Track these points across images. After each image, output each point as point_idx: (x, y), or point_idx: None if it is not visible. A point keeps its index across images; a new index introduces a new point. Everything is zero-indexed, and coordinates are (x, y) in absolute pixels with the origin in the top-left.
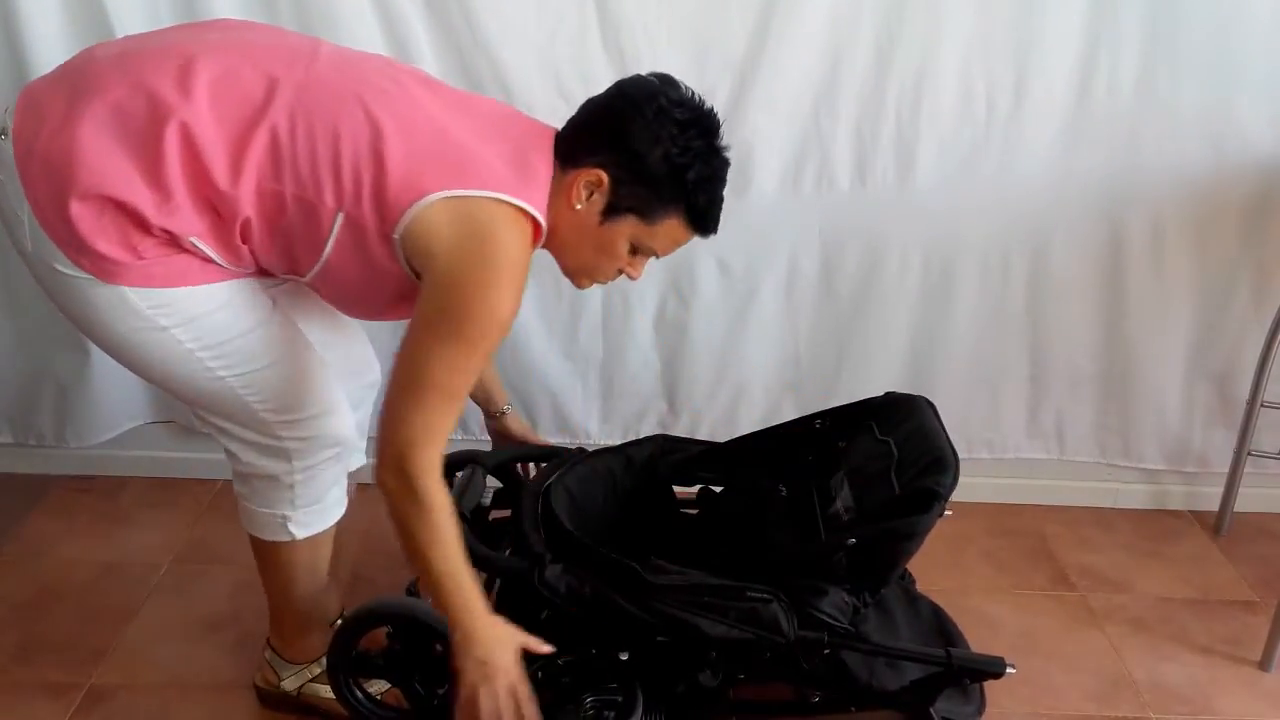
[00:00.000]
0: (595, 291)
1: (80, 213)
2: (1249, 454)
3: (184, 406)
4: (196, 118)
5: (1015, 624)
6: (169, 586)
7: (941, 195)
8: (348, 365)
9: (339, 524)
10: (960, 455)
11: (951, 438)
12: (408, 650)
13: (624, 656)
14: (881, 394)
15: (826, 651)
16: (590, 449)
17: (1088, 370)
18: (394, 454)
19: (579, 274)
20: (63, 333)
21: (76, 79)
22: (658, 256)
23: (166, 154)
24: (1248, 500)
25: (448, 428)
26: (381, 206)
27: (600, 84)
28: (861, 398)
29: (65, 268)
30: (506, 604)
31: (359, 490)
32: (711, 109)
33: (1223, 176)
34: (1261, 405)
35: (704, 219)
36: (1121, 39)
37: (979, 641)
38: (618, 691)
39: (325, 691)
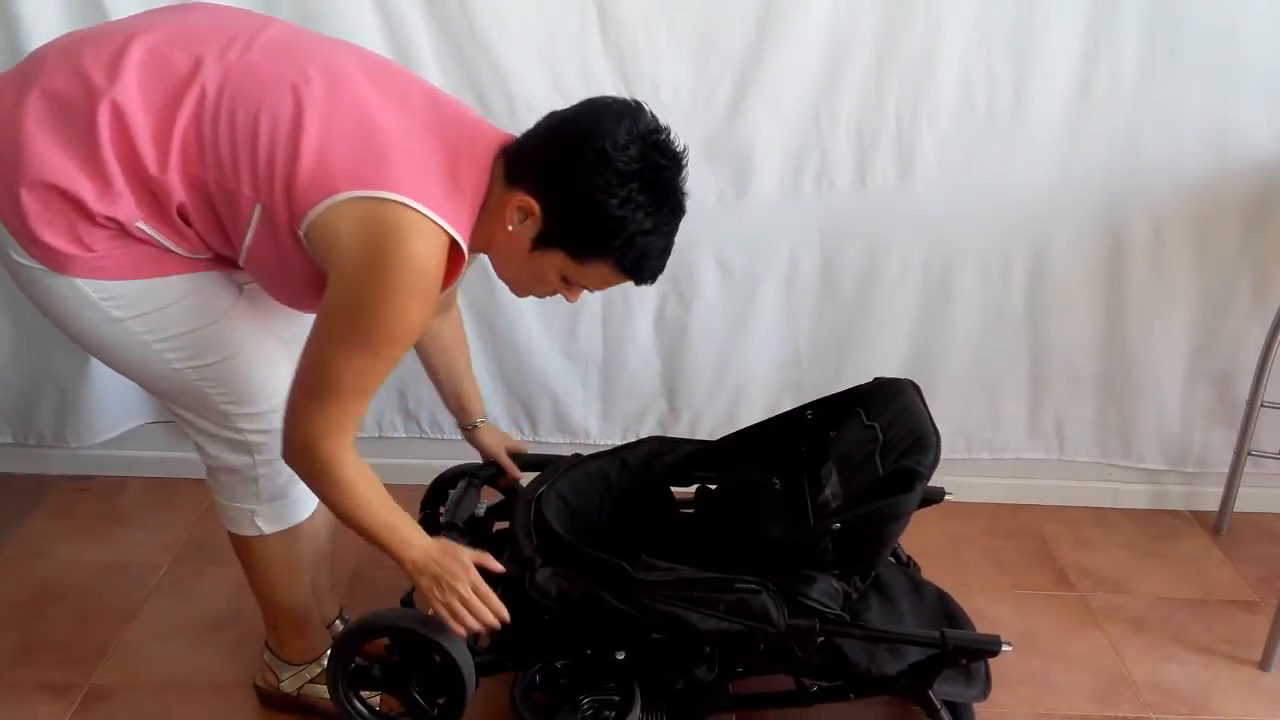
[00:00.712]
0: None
1: (29, 201)
2: (1249, 454)
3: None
4: (126, 98)
5: (1015, 624)
6: (169, 587)
7: (941, 196)
8: None
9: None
10: (960, 455)
11: (952, 437)
12: (406, 661)
13: (620, 656)
14: (870, 380)
15: (821, 640)
16: (587, 451)
17: (1088, 370)
18: (300, 445)
19: (512, 286)
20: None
21: (28, 69)
22: (591, 291)
23: (101, 138)
24: (1248, 500)
25: (356, 419)
26: (291, 200)
27: (600, 84)
28: None
29: (21, 258)
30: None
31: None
32: (672, 149)
33: (1223, 177)
34: (1261, 405)
35: (637, 271)
36: (1121, 40)
37: None
38: (615, 691)
39: (325, 692)
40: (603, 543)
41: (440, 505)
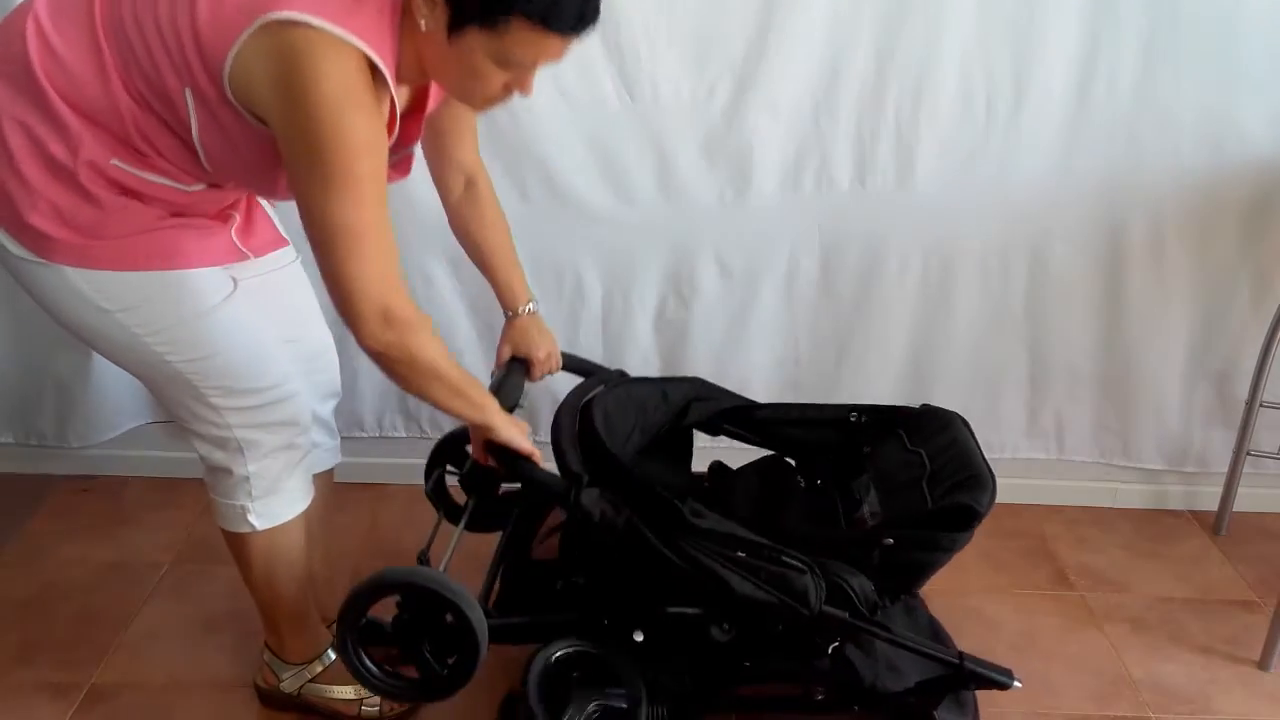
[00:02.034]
0: (595, 291)
1: (16, 145)
2: (1248, 454)
3: None
4: (47, 16)
5: (1014, 624)
6: (170, 587)
7: (941, 196)
8: (308, 365)
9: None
10: None
11: None
12: (417, 619)
13: (639, 638)
14: (918, 405)
15: (836, 645)
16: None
17: (1087, 370)
18: (379, 314)
19: (462, 99)
20: (63, 333)
21: None
22: (538, 67)
23: (40, 79)
24: (1247, 500)
25: (391, 262)
26: (206, 64)
27: (600, 83)
28: (861, 398)
29: (12, 248)
30: (513, 585)
31: (359, 490)
32: None
33: (1222, 177)
34: (1261, 405)
35: (552, 17)
36: (1121, 40)
37: (979, 642)
38: (623, 697)
39: (325, 692)
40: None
41: (447, 463)
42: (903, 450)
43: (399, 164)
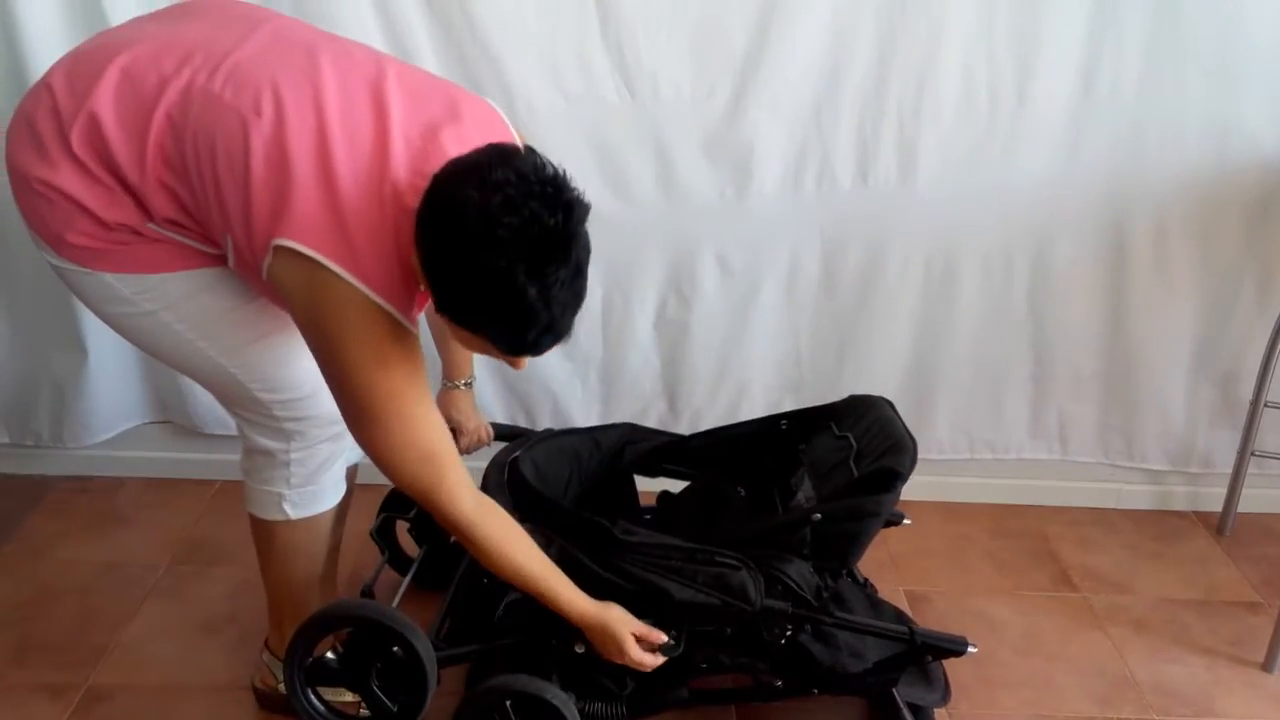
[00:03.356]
0: (595, 291)
1: (48, 208)
2: (1252, 454)
3: (181, 407)
4: (103, 112)
5: (1018, 625)
6: (167, 587)
7: (943, 194)
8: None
9: (342, 523)
10: (962, 455)
11: (954, 437)
12: (367, 654)
13: (580, 649)
14: (844, 398)
15: (789, 631)
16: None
17: (1090, 370)
18: (420, 498)
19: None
20: (60, 333)
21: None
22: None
23: (82, 152)
24: (1251, 501)
25: (446, 470)
26: (251, 240)
27: (601, 83)
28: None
29: (57, 260)
30: (461, 614)
31: (359, 491)
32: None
33: (1226, 176)
34: (1265, 405)
35: (514, 349)
36: (1124, 38)
37: (981, 643)
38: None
39: (322, 694)
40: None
41: (397, 511)
42: (832, 438)
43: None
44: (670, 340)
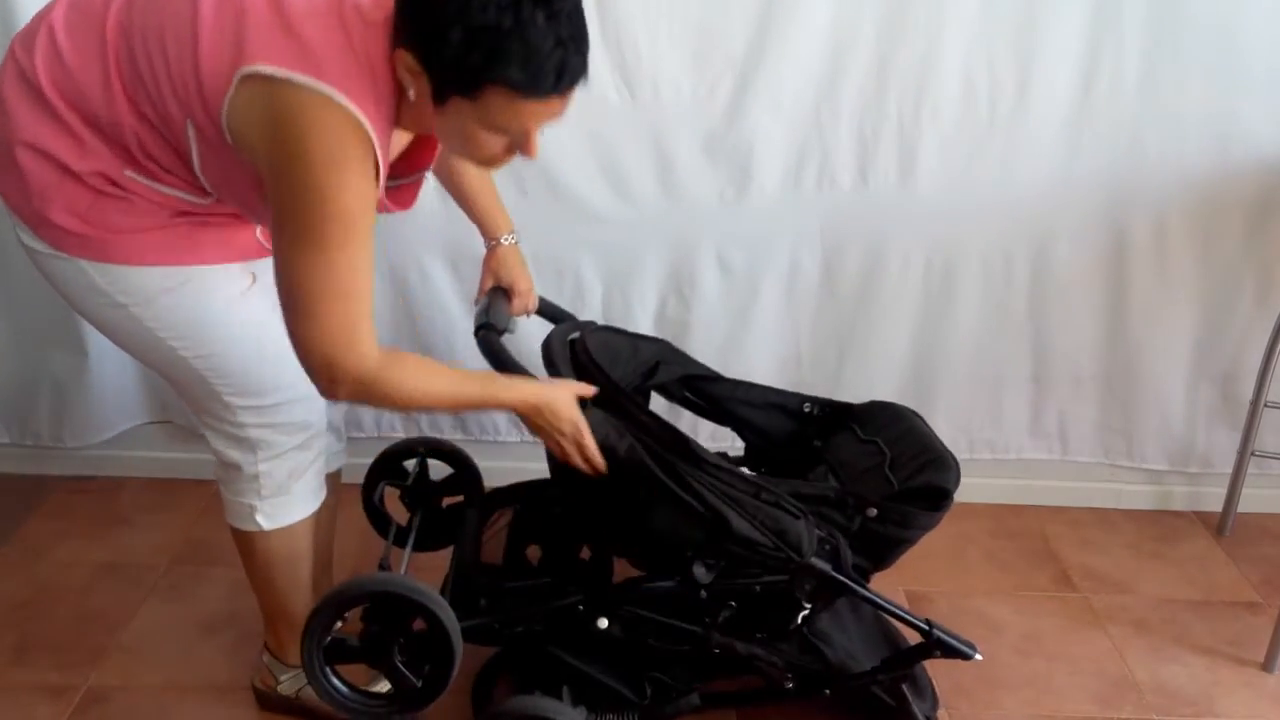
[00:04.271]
0: (595, 290)
1: (27, 167)
2: (1252, 454)
3: (181, 407)
4: (62, 25)
5: (1018, 625)
6: (167, 588)
7: (943, 195)
8: None
9: (329, 528)
10: (962, 456)
11: (954, 438)
12: (387, 629)
13: (603, 624)
14: (865, 401)
15: (806, 614)
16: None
17: (1090, 370)
18: (324, 374)
19: (465, 159)
20: (59, 333)
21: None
22: (538, 129)
23: (46, 90)
24: (1251, 501)
25: (357, 322)
26: (205, 101)
27: (600, 82)
28: (863, 397)
29: (33, 242)
30: (463, 589)
31: (359, 491)
32: None
33: (1226, 176)
34: (1265, 405)
35: (526, 83)
36: (1124, 39)
37: (981, 642)
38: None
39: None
40: None
41: (389, 479)
42: (857, 441)
43: (402, 193)
44: (671, 339)
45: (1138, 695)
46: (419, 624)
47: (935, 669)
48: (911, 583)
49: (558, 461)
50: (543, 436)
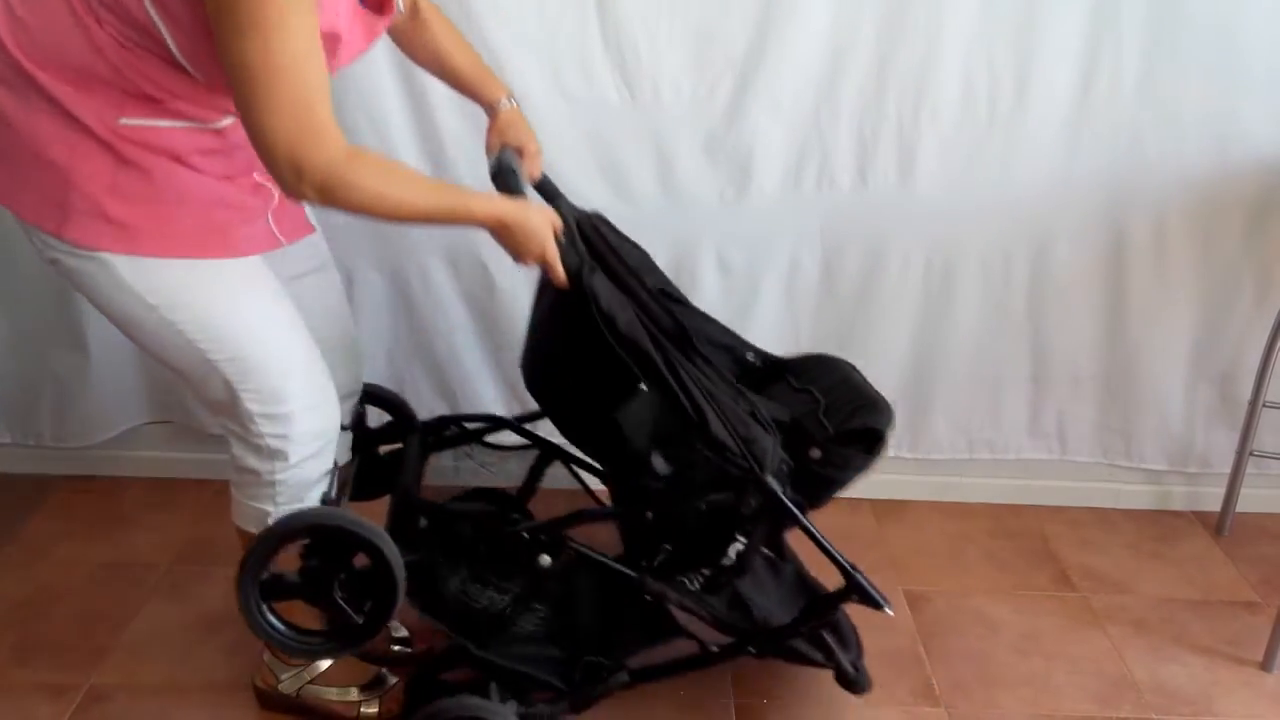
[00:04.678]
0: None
1: (41, 160)
2: (1251, 454)
3: (183, 406)
4: (15, 2)
5: (1017, 625)
6: (168, 587)
7: (943, 195)
8: (340, 358)
9: None
10: (961, 456)
11: (953, 438)
12: (327, 564)
13: (546, 562)
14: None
15: (741, 548)
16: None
17: (1089, 370)
18: (291, 168)
19: None
20: (61, 332)
21: None
22: None
23: (13, 53)
24: (1250, 501)
25: (315, 104)
26: None
27: (600, 83)
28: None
29: (59, 253)
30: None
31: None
32: None
33: (1225, 177)
34: (1264, 405)
35: None
36: (1123, 39)
37: (979, 641)
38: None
39: (324, 693)
40: None
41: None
42: (791, 391)
43: (358, 29)
44: None
45: (1136, 694)
46: (360, 561)
47: (934, 667)
48: (910, 582)
49: (547, 314)
50: (511, 254)
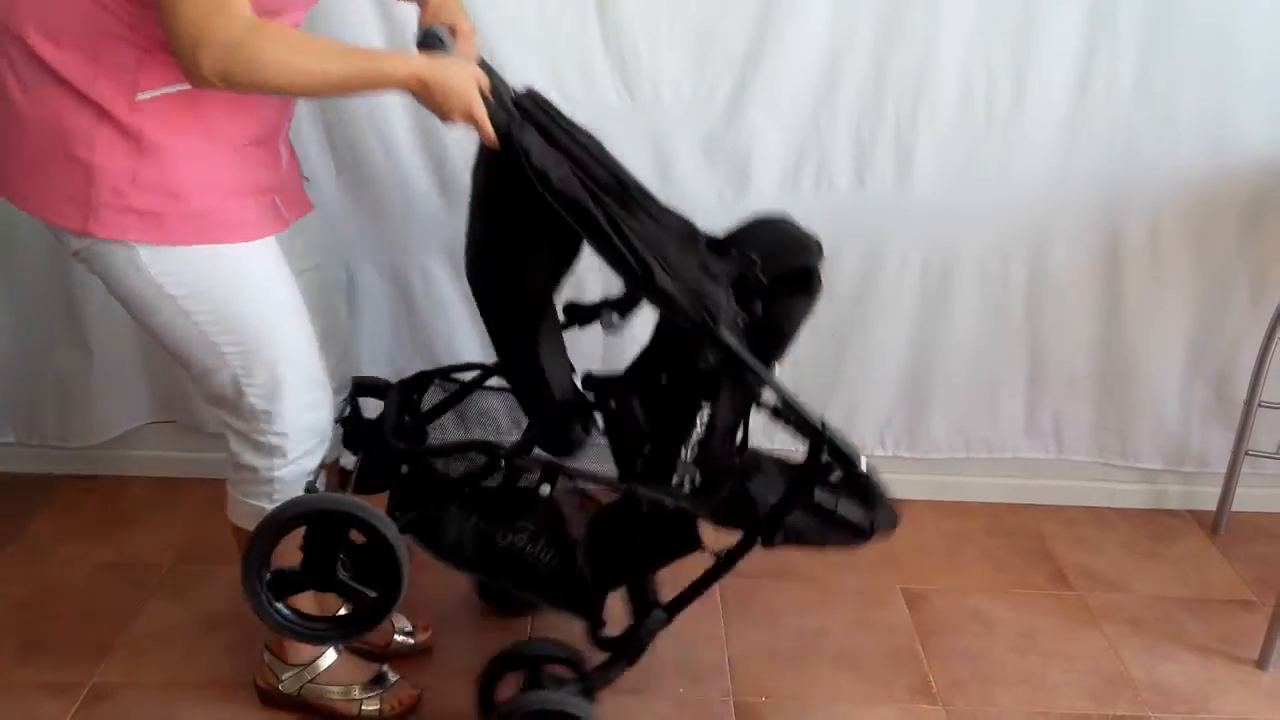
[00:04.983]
0: (594, 290)
1: (59, 166)
2: (1246, 454)
3: (185, 406)
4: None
5: (1014, 623)
6: (170, 586)
7: (940, 196)
8: (332, 354)
9: None
10: (959, 455)
11: (950, 437)
12: (325, 549)
13: (545, 491)
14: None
15: (709, 413)
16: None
17: (1086, 370)
18: (191, 42)
19: None
20: (64, 333)
21: None
22: None
23: (35, 46)
24: (1245, 500)
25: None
26: None
27: (600, 83)
28: (862, 396)
29: (81, 244)
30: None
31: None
32: None
33: (1221, 177)
34: (1259, 405)
35: None
36: (1120, 40)
37: (977, 640)
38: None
39: (325, 692)
40: None
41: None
42: (734, 258)
43: None
44: None
45: (1133, 692)
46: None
47: (932, 665)
48: (908, 581)
49: (485, 198)
50: (436, 114)
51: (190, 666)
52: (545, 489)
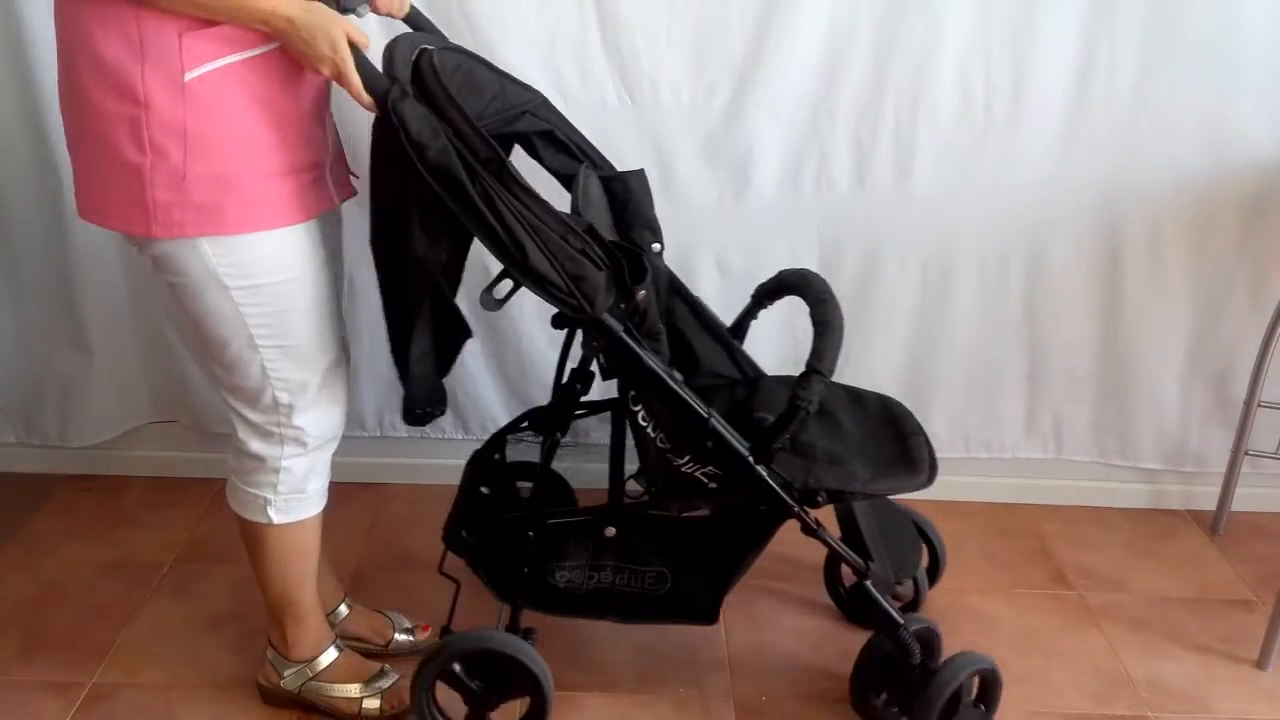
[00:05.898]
0: None
1: (117, 172)
2: (1246, 453)
3: (186, 406)
4: None
5: (1013, 623)
6: (171, 585)
7: (940, 197)
8: None
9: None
10: (958, 454)
11: (950, 437)
12: (493, 687)
13: (610, 533)
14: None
15: (636, 400)
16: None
17: (1085, 370)
18: None
19: None
20: (65, 333)
21: None
22: None
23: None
24: (1245, 500)
25: None
26: None
27: (600, 84)
28: None
29: (151, 249)
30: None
31: (359, 490)
32: None
33: (1220, 178)
34: (1259, 405)
35: None
36: (1119, 41)
37: (976, 640)
38: None
39: (326, 690)
40: None
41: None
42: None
43: None
44: None
45: (1132, 692)
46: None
47: None
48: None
49: (374, 165)
50: (302, 60)
51: (191, 665)
52: (610, 531)
